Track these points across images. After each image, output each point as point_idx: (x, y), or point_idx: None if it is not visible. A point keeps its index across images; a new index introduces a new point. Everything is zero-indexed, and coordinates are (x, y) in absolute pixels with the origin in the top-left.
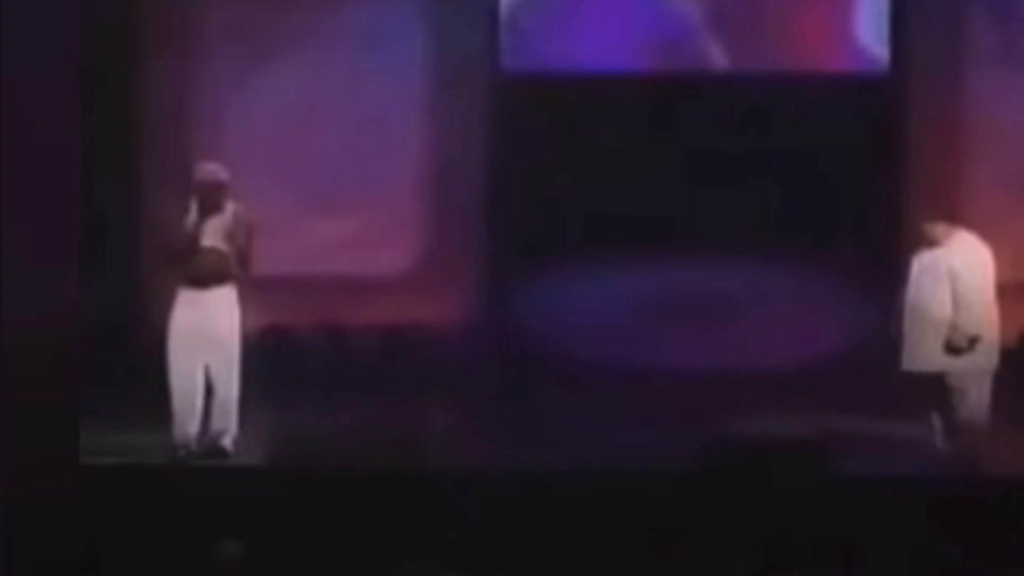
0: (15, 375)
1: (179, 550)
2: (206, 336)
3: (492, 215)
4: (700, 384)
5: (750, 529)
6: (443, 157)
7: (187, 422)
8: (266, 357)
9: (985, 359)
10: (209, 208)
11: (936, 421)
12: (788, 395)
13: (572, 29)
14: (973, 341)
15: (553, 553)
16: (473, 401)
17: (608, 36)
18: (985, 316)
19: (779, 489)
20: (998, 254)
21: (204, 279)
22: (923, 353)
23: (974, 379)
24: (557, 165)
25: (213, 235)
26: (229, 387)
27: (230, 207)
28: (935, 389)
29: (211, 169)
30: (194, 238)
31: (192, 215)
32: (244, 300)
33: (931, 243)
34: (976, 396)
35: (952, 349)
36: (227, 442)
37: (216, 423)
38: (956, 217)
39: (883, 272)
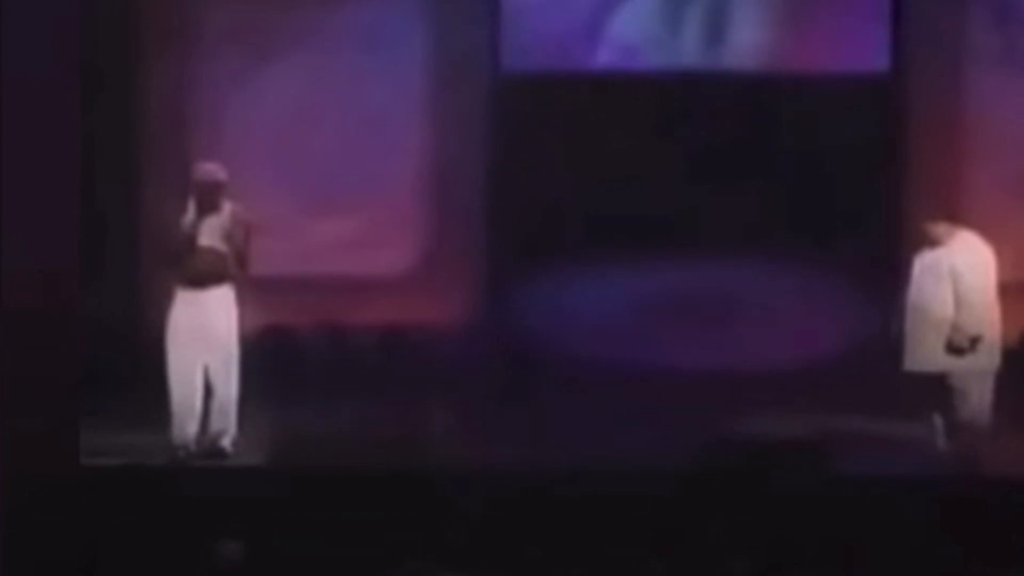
0: (15, 375)
1: (179, 550)
2: (204, 336)
3: (492, 215)
4: (700, 384)
5: (750, 529)
6: (443, 157)
7: (186, 423)
8: (266, 357)
9: (987, 359)
10: (207, 208)
11: (937, 421)
12: (789, 395)
13: (573, 29)
14: (975, 341)
15: (553, 553)
16: (473, 401)
17: (609, 36)
18: (987, 316)
19: (779, 489)
20: (1000, 254)
21: (202, 279)
22: (925, 353)
23: (976, 379)
24: (557, 165)
25: (211, 235)
26: (228, 387)
27: (228, 207)
28: (936, 389)
29: (209, 169)
30: (192, 238)
31: (190, 215)
32: (243, 300)
33: (933, 243)
34: (978, 396)
35: (954, 349)
36: (227, 442)
37: (215, 423)
38: (958, 217)
39: (884, 272)
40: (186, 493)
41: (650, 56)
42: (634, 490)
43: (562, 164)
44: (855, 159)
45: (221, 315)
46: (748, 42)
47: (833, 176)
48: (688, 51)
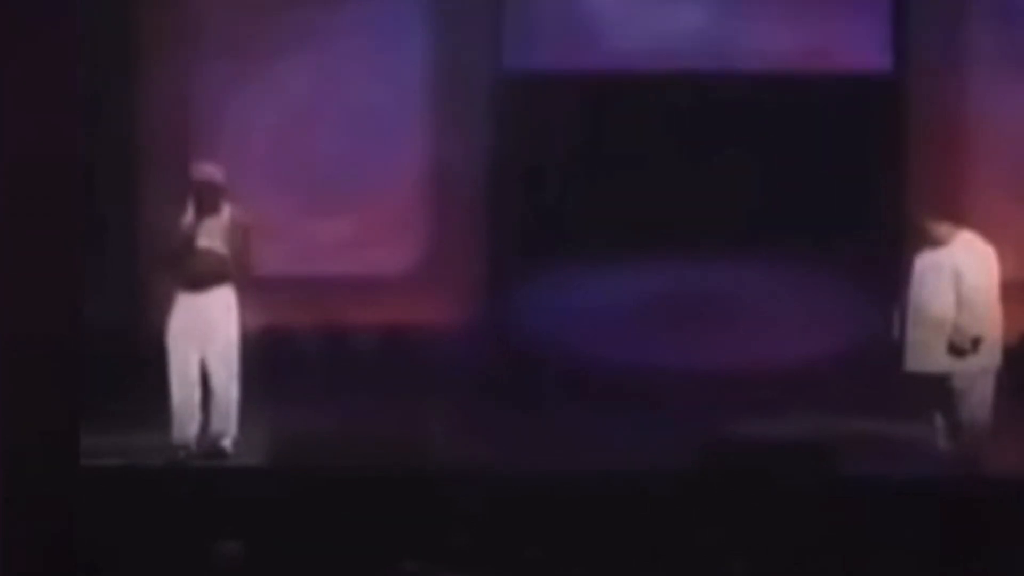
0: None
1: (179, 550)
2: (204, 337)
3: (493, 215)
4: (700, 384)
5: (750, 529)
6: (444, 157)
7: (187, 423)
8: (266, 357)
9: (988, 359)
10: (206, 209)
11: (939, 421)
12: (790, 395)
13: (574, 28)
14: (976, 341)
15: (553, 554)
16: (473, 401)
17: (610, 35)
18: (988, 316)
19: (779, 489)
20: (1001, 254)
21: (201, 280)
22: (926, 353)
23: (977, 379)
24: (559, 165)
25: (210, 236)
26: (228, 388)
27: (227, 208)
28: (938, 389)
29: (207, 170)
30: (190, 239)
31: (188, 216)
32: (243, 300)
33: (934, 243)
34: (979, 396)
35: (955, 349)
36: (227, 443)
37: (215, 424)
38: (959, 217)
39: (886, 272)
40: (186, 493)
41: (651, 56)
42: (634, 490)
43: (563, 164)
44: (856, 159)
45: (221, 316)
46: (749, 42)
47: (835, 176)
48: (689, 51)
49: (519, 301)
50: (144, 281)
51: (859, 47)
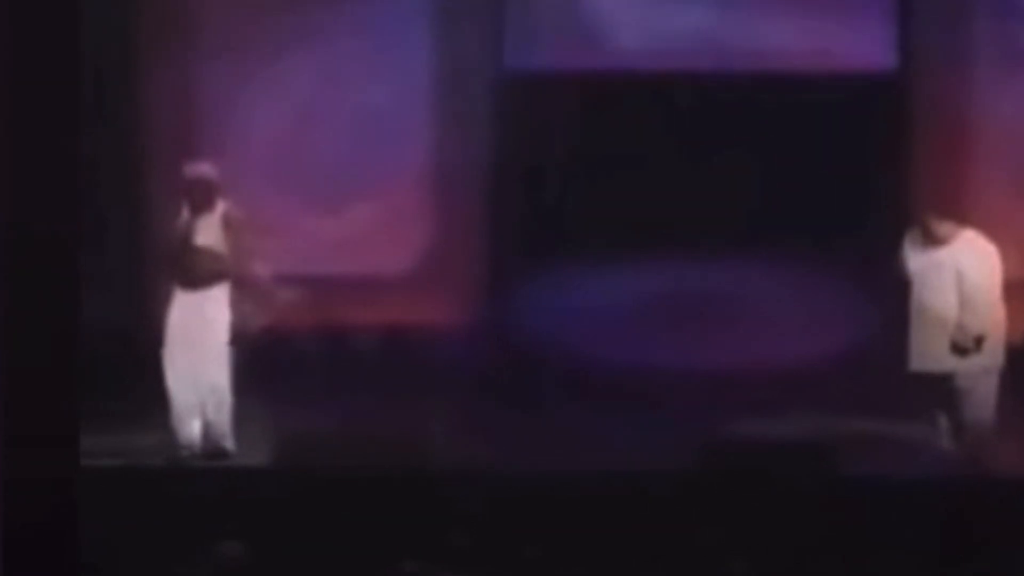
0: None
1: (179, 550)
2: (203, 336)
3: (493, 215)
4: (700, 384)
5: (750, 529)
6: (445, 156)
7: (186, 423)
8: (266, 357)
9: (991, 358)
10: (200, 207)
11: (941, 421)
12: (791, 395)
13: (575, 28)
14: (979, 341)
15: (553, 554)
16: (473, 401)
17: (611, 35)
18: (991, 315)
19: (779, 489)
20: (1004, 253)
21: (198, 279)
22: (929, 353)
23: (980, 379)
24: (560, 165)
25: (206, 234)
26: (226, 387)
27: (221, 206)
28: (941, 389)
29: (200, 167)
30: (186, 237)
31: (184, 214)
32: (240, 299)
33: (937, 242)
34: (982, 396)
35: (958, 349)
36: (227, 443)
37: (215, 424)
38: (961, 216)
39: (887, 272)
40: (186, 493)
41: (652, 56)
42: (634, 490)
43: (564, 164)
44: (858, 159)
45: (218, 315)
46: (750, 41)
47: (836, 176)
48: (690, 51)
49: (519, 301)
50: (144, 281)
51: (861, 46)
